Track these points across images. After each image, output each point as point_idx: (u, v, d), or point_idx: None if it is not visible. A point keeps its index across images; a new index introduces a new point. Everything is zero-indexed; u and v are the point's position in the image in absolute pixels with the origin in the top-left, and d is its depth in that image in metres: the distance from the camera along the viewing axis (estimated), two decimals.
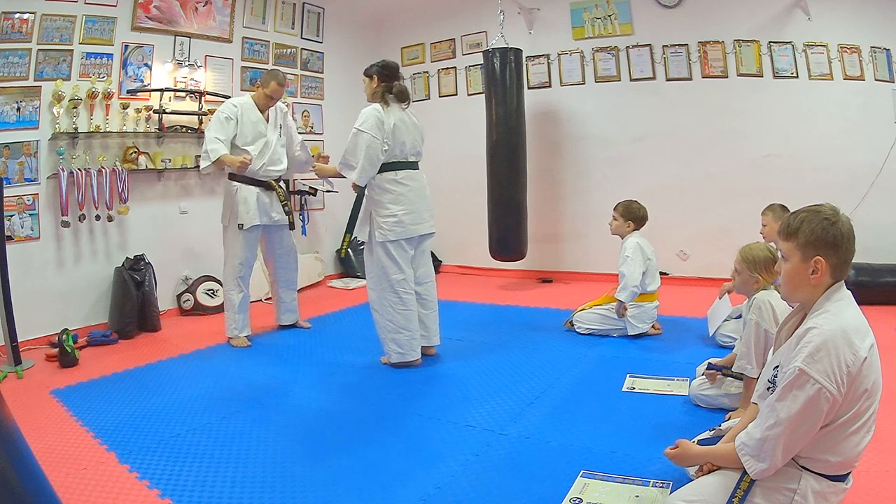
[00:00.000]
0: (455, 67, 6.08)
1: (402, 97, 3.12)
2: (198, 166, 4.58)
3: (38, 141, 3.74)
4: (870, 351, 1.32)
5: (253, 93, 3.69)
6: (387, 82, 3.10)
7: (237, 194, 3.57)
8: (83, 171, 3.82)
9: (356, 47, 6.25)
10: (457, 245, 6.03)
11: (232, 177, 3.61)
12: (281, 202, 3.71)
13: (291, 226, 3.82)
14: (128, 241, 4.23)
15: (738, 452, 1.41)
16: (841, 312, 1.36)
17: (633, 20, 5.12)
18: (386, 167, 3.05)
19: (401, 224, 3.03)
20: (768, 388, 1.47)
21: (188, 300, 4.51)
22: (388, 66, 3.15)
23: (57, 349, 3.36)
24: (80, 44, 3.91)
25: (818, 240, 1.37)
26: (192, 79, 4.55)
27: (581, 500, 1.76)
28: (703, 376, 2.46)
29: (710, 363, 2.45)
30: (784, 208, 3.30)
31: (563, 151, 5.56)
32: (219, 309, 4.35)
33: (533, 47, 5.53)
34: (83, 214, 3.92)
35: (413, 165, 3.16)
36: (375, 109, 3.01)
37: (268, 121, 3.65)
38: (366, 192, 3.11)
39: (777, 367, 1.45)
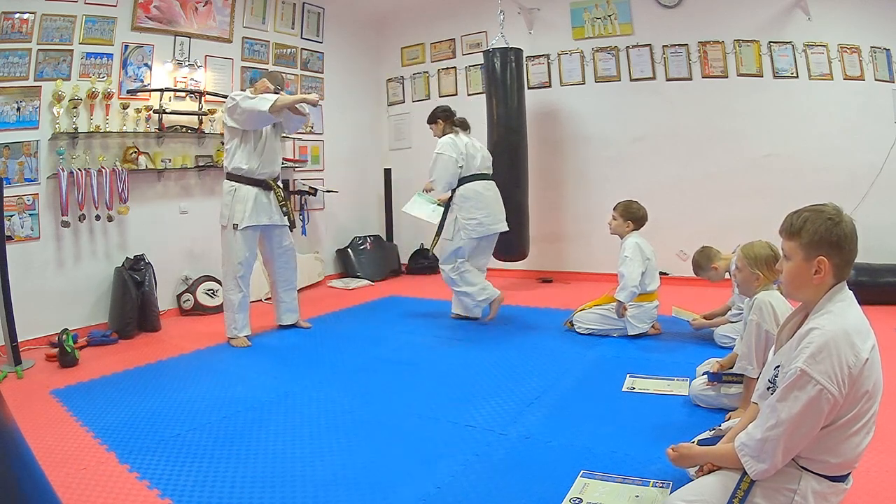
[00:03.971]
0: (455, 67, 6.08)
1: (465, 126, 3.97)
2: (198, 166, 4.61)
3: (38, 141, 3.74)
4: (871, 352, 1.32)
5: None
6: (450, 120, 3.95)
7: (235, 194, 3.57)
8: (83, 171, 3.82)
9: (356, 47, 6.26)
10: None
11: (230, 177, 3.60)
12: (279, 203, 3.71)
13: (292, 226, 3.82)
14: (128, 241, 4.23)
15: (738, 453, 1.41)
16: (843, 313, 1.35)
17: (633, 20, 5.13)
18: (464, 180, 3.84)
19: (481, 225, 3.82)
20: (769, 389, 1.47)
21: (188, 300, 4.51)
22: (444, 108, 4.04)
23: (57, 349, 3.36)
24: (80, 44, 3.91)
25: (821, 240, 1.37)
26: (192, 79, 4.55)
27: (581, 500, 1.76)
28: (704, 376, 2.46)
29: (708, 373, 2.44)
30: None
31: (564, 151, 5.56)
32: (219, 309, 4.35)
33: (533, 47, 5.53)
34: (83, 214, 3.92)
35: (485, 176, 3.91)
36: (449, 137, 3.87)
37: None
38: (451, 201, 3.90)
39: (778, 367, 1.45)
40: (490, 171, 4.00)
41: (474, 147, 3.93)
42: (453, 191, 3.91)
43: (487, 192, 3.87)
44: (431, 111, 4.07)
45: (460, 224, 3.83)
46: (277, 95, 3.44)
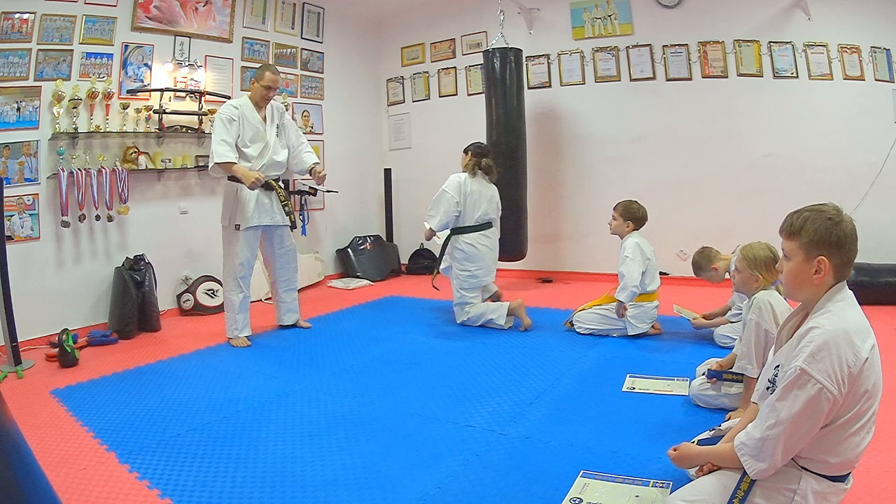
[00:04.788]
0: (455, 67, 6.08)
1: (488, 171, 4.00)
2: (198, 166, 4.61)
3: (38, 141, 3.74)
4: (871, 352, 1.32)
5: (249, 93, 3.68)
6: (477, 158, 3.97)
7: (237, 195, 3.56)
8: (83, 171, 3.83)
9: (356, 47, 6.26)
10: None
11: (232, 177, 3.60)
12: (281, 202, 3.71)
13: (293, 226, 3.82)
14: (128, 241, 4.23)
15: (738, 452, 1.41)
16: (843, 313, 1.35)
17: (633, 20, 5.13)
18: (461, 230, 3.93)
19: (474, 277, 3.93)
20: (768, 388, 1.47)
21: (188, 300, 4.51)
22: (481, 146, 4.08)
23: (57, 349, 3.36)
24: (80, 44, 3.91)
25: (821, 239, 1.36)
26: (192, 79, 4.55)
27: (581, 500, 1.76)
28: (703, 376, 2.46)
29: (709, 370, 2.44)
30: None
31: (563, 151, 5.56)
32: (219, 309, 4.35)
33: (533, 47, 5.53)
34: (83, 214, 3.93)
35: (483, 227, 3.97)
36: (459, 177, 3.92)
37: (265, 121, 3.65)
38: (449, 246, 4.01)
39: (778, 366, 1.44)
40: (492, 220, 4.03)
41: (480, 195, 3.92)
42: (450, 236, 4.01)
43: (482, 246, 3.93)
44: (471, 143, 4.09)
45: (454, 273, 3.98)
46: (229, 162, 3.45)
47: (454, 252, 3.97)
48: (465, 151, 4.05)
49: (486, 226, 4.01)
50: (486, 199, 3.96)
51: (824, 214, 1.38)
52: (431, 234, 3.96)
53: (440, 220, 3.87)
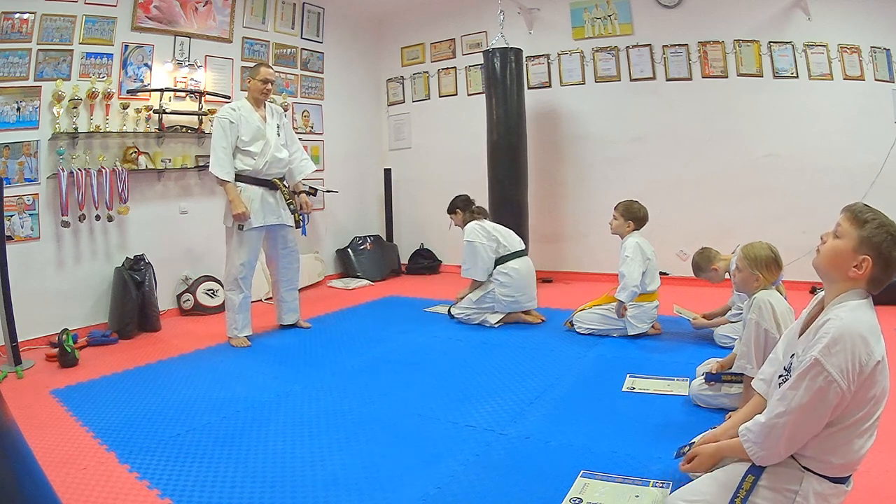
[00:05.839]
0: (455, 67, 6.08)
1: (484, 214, 4.24)
2: (198, 166, 4.61)
3: (38, 141, 3.74)
4: (882, 357, 1.33)
5: (246, 94, 3.69)
6: (469, 209, 4.21)
7: (241, 195, 3.55)
8: (83, 171, 3.83)
9: (356, 47, 6.26)
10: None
11: (236, 177, 3.59)
12: (287, 202, 3.71)
13: (297, 225, 3.83)
14: (128, 241, 4.23)
15: (741, 438, 1.43)
16: (861, 310, 1.37)
17: (633, 20, 5.13)
18: (504, 258, 4.00)
19: (516, 302, 3.95)
20: (781, 377, 1.47)
21: (188, 300, 4.50)
22: (464, 198, 4.25)
23: (57, 349, 3.35)
24: (80, 44, 3.91)
25: (878, 246, 1.36)
26: (192, 79, 4.55)
27: (581, 500, 1.76)
28: (703, 376, 2.46)
29: (707, 373, 2.44)
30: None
31: (563, 151, 5.56)
32: (219, 309, 4.36)
33: (533, 47, 5.53)
34: (83, 214, 3.92)
35: (517, 255, 4.05)
36: (478, 224, 4.08)
37: (265, 120, 3.65)
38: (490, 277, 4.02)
39: (793, 355, 1.45)
40: (524, 247, 4.17)
41: (497, 229, 4.09)
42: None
43: (523, 270, 4.01)
44: (451, 202, 4.24)
45: (497, 297, 3.95)
46: (227, 181, 3.47)
47: (500, 279, 3.95)
48: (453, 211, 4.22)
49: (522, 252, 4.10)
50: (501, 231, 4.10)
51: (891, 228, 1.37)
52: (477, 285, 4.04)
53: (483, 268, 3.97)
